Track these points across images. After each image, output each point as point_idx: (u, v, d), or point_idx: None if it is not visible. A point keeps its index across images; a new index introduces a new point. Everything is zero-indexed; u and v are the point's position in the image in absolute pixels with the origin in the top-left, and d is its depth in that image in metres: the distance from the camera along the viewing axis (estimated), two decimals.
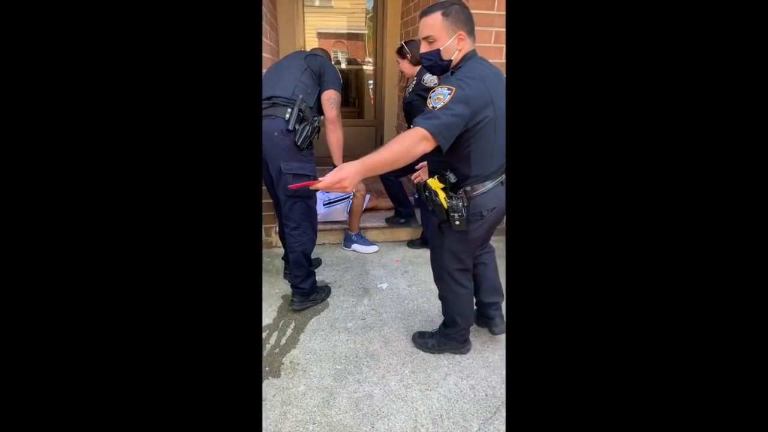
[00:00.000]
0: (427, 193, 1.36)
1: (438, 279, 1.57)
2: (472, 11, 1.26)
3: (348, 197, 2.55)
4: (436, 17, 1.21)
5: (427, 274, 2.28)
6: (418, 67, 2.30)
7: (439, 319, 1.79)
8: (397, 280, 2.24)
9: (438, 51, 1.23)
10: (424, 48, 1.27)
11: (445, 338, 1.64)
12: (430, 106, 1.16)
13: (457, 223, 1.31)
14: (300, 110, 1.66)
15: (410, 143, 1.12)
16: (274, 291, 2.09)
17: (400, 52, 2.37)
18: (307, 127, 1.68)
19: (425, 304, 2.01)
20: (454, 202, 1.29)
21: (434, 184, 1.34)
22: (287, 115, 1.65)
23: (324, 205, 2.57)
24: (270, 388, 1.45)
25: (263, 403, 1.39)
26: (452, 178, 1.31)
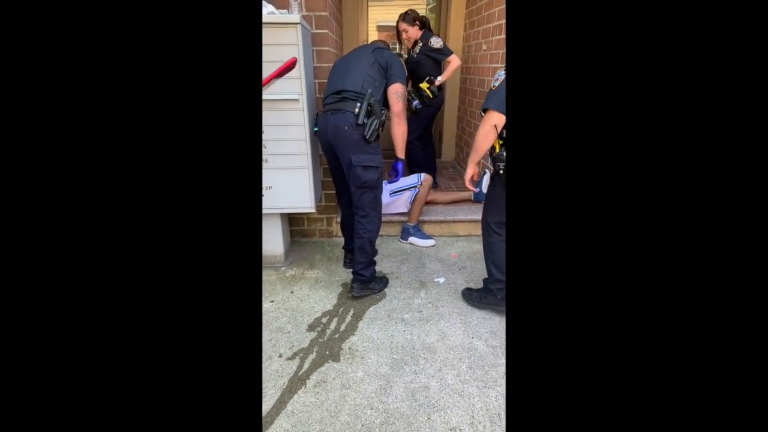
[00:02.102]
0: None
1: (482, 230, 1.82)
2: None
3: (415, 186, 2.57)
4: None
5: (485, 272, 2.25)
6: (422, 31, 2.74)
7: (498, 315, 1.77)
8: (454, 275, 2.22)
9: None
10: None
11: (486, 292, 1.87)
12: (492, 86, 1.51)
13: (501, 172, 1.55)
14: (369, 104, 1.70)
15: (486, 128, 1.52)
16: (335, 278, 2.17)
17: (409, 19, 2.71)
18: (375, 121, 1.72)
19: None
20: (501, 152, 1.54)
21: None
22: (357, 110, 1.70)
23: (390, 194, 2.60)
24: (330, 371, 1.52)
25: (324, 384, 1.46)
26: (504, 132, 1.52)
